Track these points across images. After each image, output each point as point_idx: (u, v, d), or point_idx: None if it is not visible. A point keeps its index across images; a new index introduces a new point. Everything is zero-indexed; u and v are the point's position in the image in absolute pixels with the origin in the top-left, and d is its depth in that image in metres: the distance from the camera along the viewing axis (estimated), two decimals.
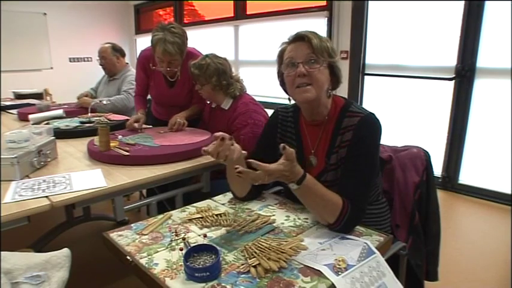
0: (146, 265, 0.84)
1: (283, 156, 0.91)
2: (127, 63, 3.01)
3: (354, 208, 0.99)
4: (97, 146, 1.59)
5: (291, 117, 1.26)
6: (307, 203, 1.03)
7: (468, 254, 2.13)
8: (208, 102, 2.07)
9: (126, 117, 2.39)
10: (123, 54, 2.97)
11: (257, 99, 1.94)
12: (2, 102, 3.17)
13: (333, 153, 1.12)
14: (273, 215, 1.10)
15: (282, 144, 0.90)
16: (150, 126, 2.20)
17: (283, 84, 1.18)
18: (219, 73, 1.82)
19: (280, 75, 1.18)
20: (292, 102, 1.20)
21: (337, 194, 1.01)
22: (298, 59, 1.07)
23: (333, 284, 0.76)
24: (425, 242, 1.31)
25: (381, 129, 1.10)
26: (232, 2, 4.63)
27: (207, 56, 1.87)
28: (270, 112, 1.62)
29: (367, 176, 1.06)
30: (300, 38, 1.09)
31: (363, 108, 1.14)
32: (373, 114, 1.11)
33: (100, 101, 2.69)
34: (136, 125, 1.98)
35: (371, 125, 1.09)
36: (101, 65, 2.94)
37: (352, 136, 1.09)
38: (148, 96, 2.27)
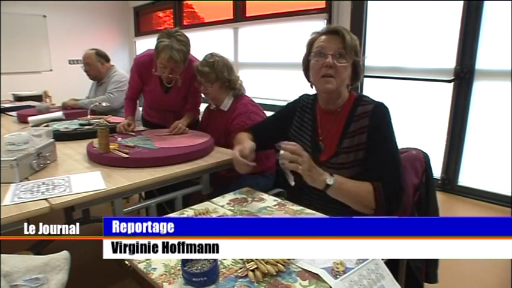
0: (144, 270, 0.83)
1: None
2: (112, 65, 2.98)
3: (386, 186, 1.05)
4: (96, 148, 1.59)
5: (310, 105, 1.33)
6: (344, 197, 1.09)
7: None
8: (207, 104, 2.08)
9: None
10: (107, 60, 2.94)
11: (257, 101, 1.95)
12: (1, 104, 3.17)
13: (346, 138, 1.18)
14: None
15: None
16: (146, 128, 2.20)
17: (306, 70, 1.26)
18: (228, 68, 1.87)
19: (305, 62, 1.25)
20: (314, 91, 1.28)
21: (366, 182, 1.08)
22: (329, 50, 1.14)
23: (331, 287, 0.76)
24: None
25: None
26: (231, 3, 4.64)
27: (211, 54, 1.90)
28: (268, 114, 1.62)
29: (394, 157, 1.13)
30: (334, 32, 1.16)
31: (374, 99, 1.23)
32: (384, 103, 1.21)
33: (90, 102, 2.70)
34: (129, 128, 2.00)
35: (385, 111, 1.18)
36: (85, 71, 2.91)
37: (369, 122, 1.16)
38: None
